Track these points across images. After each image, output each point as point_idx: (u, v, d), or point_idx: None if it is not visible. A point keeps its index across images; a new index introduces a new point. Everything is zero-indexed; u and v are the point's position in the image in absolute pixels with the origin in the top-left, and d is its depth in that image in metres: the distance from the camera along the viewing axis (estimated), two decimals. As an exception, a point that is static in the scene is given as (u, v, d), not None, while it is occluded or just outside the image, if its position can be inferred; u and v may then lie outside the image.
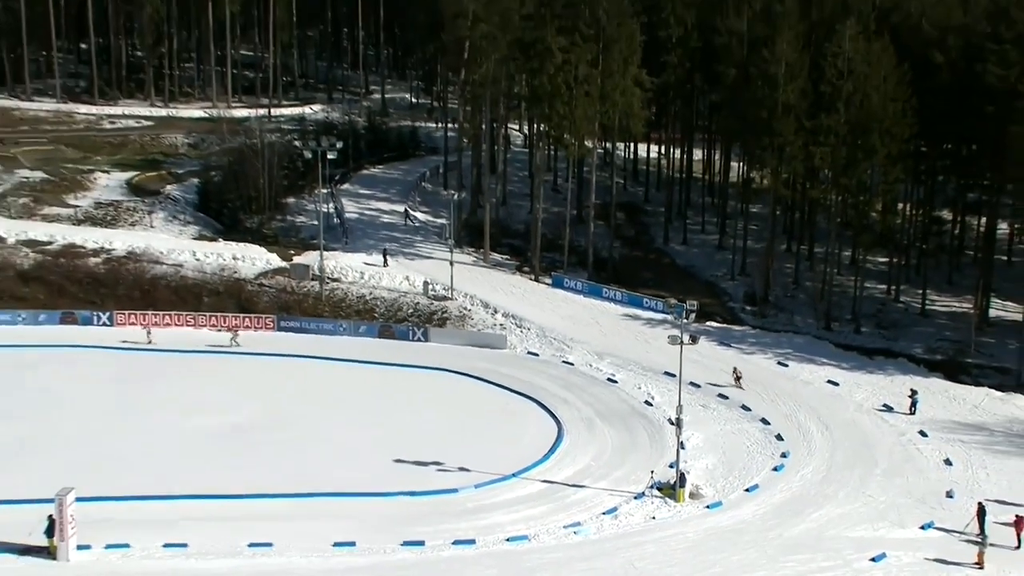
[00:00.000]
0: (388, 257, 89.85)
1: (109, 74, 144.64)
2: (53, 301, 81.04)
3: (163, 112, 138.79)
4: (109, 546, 47.52)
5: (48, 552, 46.67)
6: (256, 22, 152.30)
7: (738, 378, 70.52)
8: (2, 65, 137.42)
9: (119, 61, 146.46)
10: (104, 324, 78.77)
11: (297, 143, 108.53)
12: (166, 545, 47.92)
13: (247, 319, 79.79)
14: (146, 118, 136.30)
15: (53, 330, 77.72)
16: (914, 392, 67.07)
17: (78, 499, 46.64)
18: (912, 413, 65.84)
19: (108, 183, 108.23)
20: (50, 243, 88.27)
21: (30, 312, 79.08)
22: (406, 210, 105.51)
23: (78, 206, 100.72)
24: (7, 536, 47.49)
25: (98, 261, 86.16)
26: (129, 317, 79.15)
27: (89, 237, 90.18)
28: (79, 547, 46.81)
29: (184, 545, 47.95)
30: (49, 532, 46.52)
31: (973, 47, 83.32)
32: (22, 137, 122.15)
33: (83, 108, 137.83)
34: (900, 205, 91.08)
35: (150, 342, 76.06)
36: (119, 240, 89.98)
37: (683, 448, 56.98)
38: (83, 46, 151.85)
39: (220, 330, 77.88)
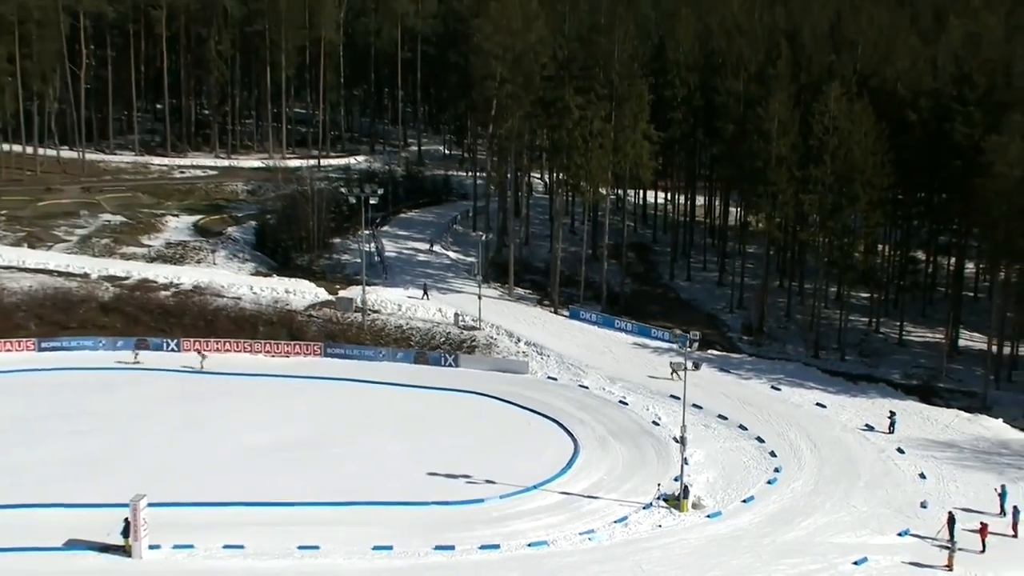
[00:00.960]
0: (428, 291, 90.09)
1: (180, 130, 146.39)
2: (129, 329, 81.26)
3: (226, 163, 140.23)
4: (176, 546, 47.98)
5: (124, 550, 47.20)
6: (308, 84, 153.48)
7: (673, 371, 71.99)
8: (91, 123, 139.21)
9: (189, 119, 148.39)
10: (172, 350, 78.93)
11: (343, 190, 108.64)
12: (225, 546, 48.25)
13: (296, 346, 79.96)
14: (211, 168, 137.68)
15: (128, 355, 77.86)
16: (892, 413, 66.87)
17: (150, 504, 47.15)
18: (891, 432, 65.64)
19: (177, 225, 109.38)
20: (127, 278, 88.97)
21: (109, 339, 79.38)
22: (431, 244, 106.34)
23: (151, 246, 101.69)
24: (89, 535, 48.29)
25: (168, 294, 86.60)
26: (194, 344, 79.16)
27: (160, 273, 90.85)
28: (150, 547, 47.31)
29: (241, 547, 48.29)
30: (125, 533, 47.10)
31: (942, 108, 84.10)
32: (105, 185, 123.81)
33: (157, 160, 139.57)
34: (880, 246, 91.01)
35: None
36: (186, 276, 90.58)
37: (687, 463, 56.77)
38: (159, 106, 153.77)
39: (205, 355, 77.29)
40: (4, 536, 48.08)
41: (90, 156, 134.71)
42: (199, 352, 77.15)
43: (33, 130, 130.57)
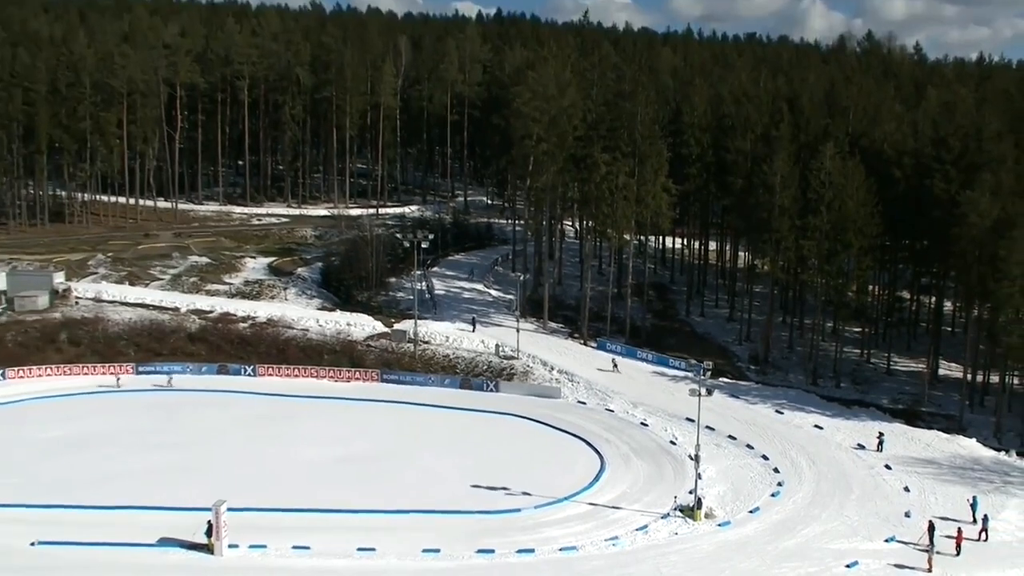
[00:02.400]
0: (476, 324, 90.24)
1: (258, 183, 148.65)
2: (212, 356, 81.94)
3: (297, 211, 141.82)
4: (252, 546, 48.43)
5: (207, 548, 47.74)
6: (368, 142, 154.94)
7: (615, 364, 79.35)
8: (183, 178, 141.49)
9: (266, 173, 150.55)
10: (249, 375, 79.58)
11: (398, 235, 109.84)
12: (294, 547, 48.62)
13: (356, 372, 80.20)
14: (284, 216, 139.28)
15: (211, 379, 78.77)
16: (881, 434, 66.94)
17: (229, 509, 47.70)
18: (879, 450, 65.52)
19: (255, 266, 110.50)
20: (211, 312, 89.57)
21: (195, 364, 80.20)
22: (471, 273, 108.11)
23: (232, 284, 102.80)
24: (178, 534, 49.03)
25: (246, 326, 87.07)
26: (268, 370, 79.96)
27: (240, 307, 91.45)
28: (230, 546, 47.82)
29: (308, 547, 48.63)
30: (208, 533, 47.69)
31: (923, 166, 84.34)
32: (194, 231, 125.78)
33: (238, 209, 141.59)
34: (870, 287, 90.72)
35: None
36: (262, 310, 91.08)
37: (700, 478, 56.54)
38: (240, 162, 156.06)
39: (119, 377, 76.62)
40: (107, 532, 48.97)
41: (182, 206, 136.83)
42: (115, 375, 76.78)
43: (135, 184, 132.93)
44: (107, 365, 78.76)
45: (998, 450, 67.80)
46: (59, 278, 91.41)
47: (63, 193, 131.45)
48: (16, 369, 76.91)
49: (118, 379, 76.45)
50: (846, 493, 58.37)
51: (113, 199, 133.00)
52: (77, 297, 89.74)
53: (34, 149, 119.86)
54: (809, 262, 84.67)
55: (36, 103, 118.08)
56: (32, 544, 47.94)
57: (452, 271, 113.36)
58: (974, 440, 69.04)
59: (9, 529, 49.20)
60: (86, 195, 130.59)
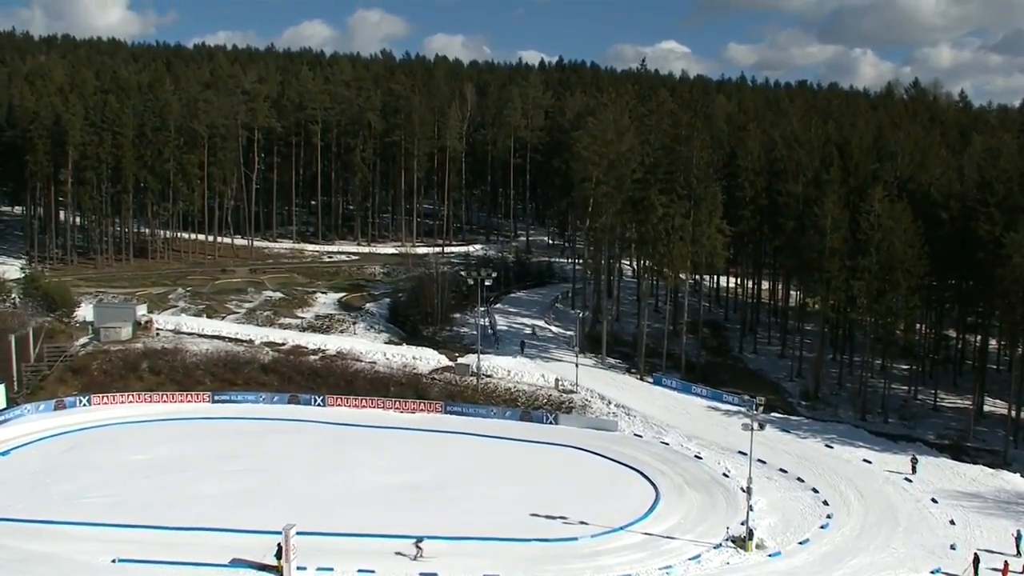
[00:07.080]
0: (524, 346, 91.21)
1: (330, 222, 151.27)
2: (284, 386, 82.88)
3: (366, 249, 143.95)
4: (319, 569, 48.62)
5: (277, 570, 47.92)
6: (435, 184, 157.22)
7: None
8: (259, 216, 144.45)
9: (337, 212, 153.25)
10: (319, 405, 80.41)
11: (463, 273, 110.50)
12: (359, 570, 48.75)
13: (421, 404, 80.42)
14: (354, 254, 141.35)
15: (283, 408, 79.71)
16: (915, 458, 67.17)
17: (298, 532, 48.04)
18: (913, 472, 65.66)
19: (325, 301, 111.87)
20: (283, 344, 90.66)
21: (268, 394, 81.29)
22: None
23: (304, 318, 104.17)
24: (249, 556, 49.48)
25: (316, 358, 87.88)
26: (337, 400, 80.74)
27: (311, 340, 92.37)
28: (298, 568, 48.02)
29: (372, 571, 48.75)
30: (278, 555, 47.96)
31: (968, 208, 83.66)
32: (268, 268, 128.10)
33: (310, 247, 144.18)
34: (917, 325, 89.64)
35: None
36: (331, 343, 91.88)
37: (752, 510, 56.02)
38: (313, 202, 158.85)
39: None
40: (183, 552, 49.69)
41: (257, 243, 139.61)
42: None
43: (214, 222, 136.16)
44: (185, 393, 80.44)
45: (1042, 485, 66.45)
46: (141, 310, 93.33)
47: (147, 230, 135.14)
48: (101, 396, 78.85)
49: None
50: (893, 525, 57.56)
51: (193, 236, 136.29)
52: (158, 329, 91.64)
53: (121, 189, 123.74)
54: (858, 301, 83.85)
55: (124, 146, 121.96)
56: (113, 561, 48.97)
57: (514, 307, 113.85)
58: (1018, 475, 67.74)
59: (94, 547, 50.36)
60: (168, 232, 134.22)
